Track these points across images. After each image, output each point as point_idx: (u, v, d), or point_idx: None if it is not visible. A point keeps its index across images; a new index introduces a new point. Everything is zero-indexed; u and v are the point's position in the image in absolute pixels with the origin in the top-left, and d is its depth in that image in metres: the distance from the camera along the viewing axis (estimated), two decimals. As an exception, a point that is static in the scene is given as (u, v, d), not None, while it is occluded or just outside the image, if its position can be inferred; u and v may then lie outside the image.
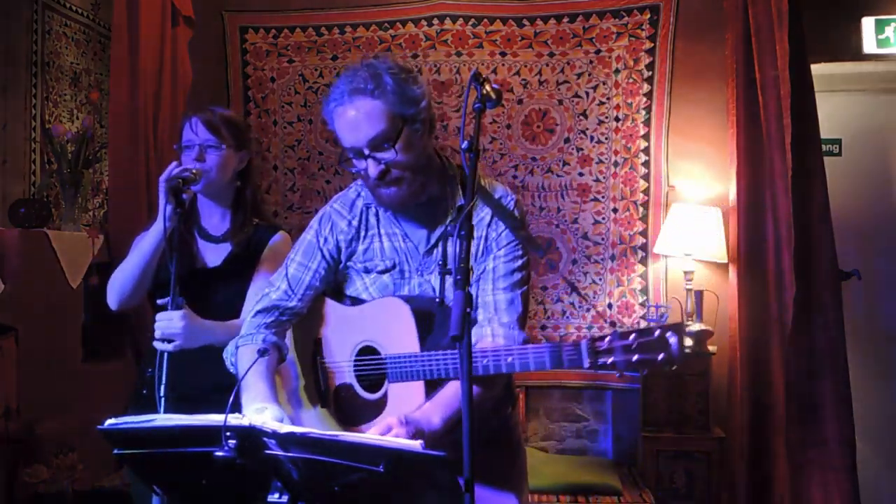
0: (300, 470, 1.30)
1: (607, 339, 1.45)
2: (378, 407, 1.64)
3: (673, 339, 1.42)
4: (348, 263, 1.77)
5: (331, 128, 1.63)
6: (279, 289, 1.78)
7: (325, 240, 1.77)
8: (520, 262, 1.67)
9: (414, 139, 1.61)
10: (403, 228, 1.72)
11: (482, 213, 1.68)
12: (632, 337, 1.44)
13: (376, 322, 1.68)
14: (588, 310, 3.76)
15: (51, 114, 3.39)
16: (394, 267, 1.72)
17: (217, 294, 2.09)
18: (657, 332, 1.43)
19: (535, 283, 3.79)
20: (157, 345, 1.90)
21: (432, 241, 1.70)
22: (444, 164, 1.73)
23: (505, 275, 1.65)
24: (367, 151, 1.60)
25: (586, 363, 1.46)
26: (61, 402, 3.05)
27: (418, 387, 1.57)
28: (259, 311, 1.78)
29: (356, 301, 1.76)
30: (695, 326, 3.42)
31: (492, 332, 1.61)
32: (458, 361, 1.52)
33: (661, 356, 1.42)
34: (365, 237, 1.76)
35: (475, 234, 1.65)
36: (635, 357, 1.43)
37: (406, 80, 1.60)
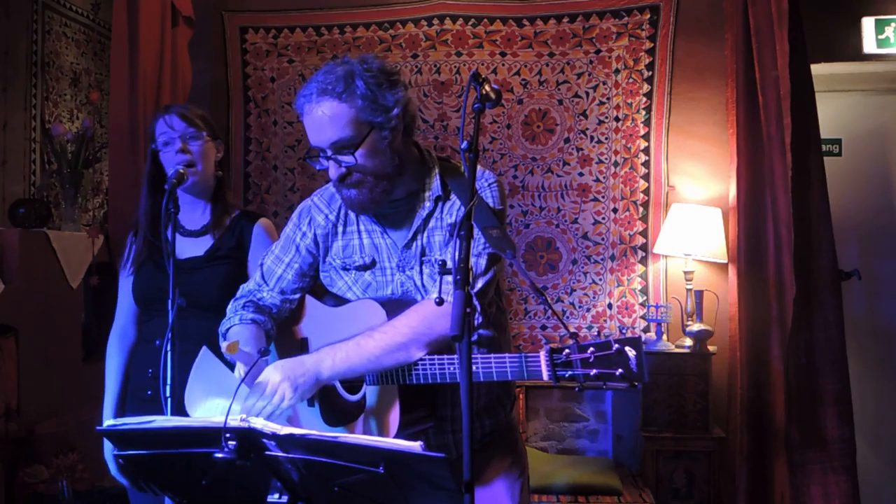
0: (300, 471, 1.30)
1: (565, 351, 1.42)
2: (358, 408, 1.63)
3: (632, 354, 1.38)
4: (327, 260, 1.76)
5: (301, 121, 1.62)
6: (253, 280, 1.81)
7: (304, 234, 1.77)
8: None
9: (380, 146, 1.59)
10: (382, 224, 1.71)
11: (454, 199, 1.67)
12: (589, 350, 1.40)
13: (353, 324, 1.66)
14: (588, 310, 3.76)
15: (51, 114, 3.39)
16: (373, 264, 1.71)
17: (198, 283, 2.06)
18: (615, 347, 1.39)
19: (535, 283, 3.78)
20: None
21: (410, 234, 1.68)
22: (424, 157, 1.72)
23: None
24: (329, 153, 1.59)
25: (546, 375, 1.43)
26: (61, 402, 3.05)
27: (392, 392, 1.56)
28: (234, 300, 1.81)
29: (340, 300, 1.75)
30: (695, 326, 3.42)
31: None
32: (429, 367, 1.53)
33: (619, 371, 1.39)
34: (344, 233, 1.75)
35: (450, 220, 1.65)
36: (593, 371, 1.40)
37: (381, 85, 1.57)
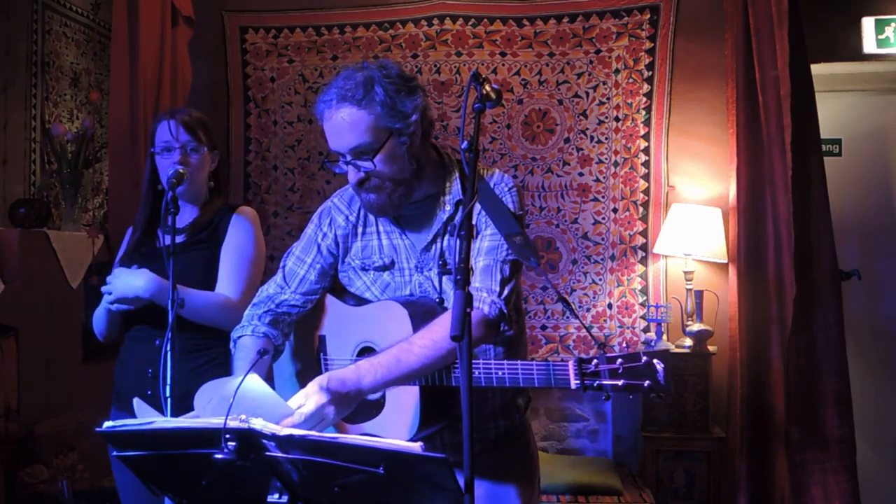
0: (300, 471, 1.30)
1: (594, 361, 1.44)
2: (377, 407, 1.65)
3: (660, 367, 1.41)
4: (346, 260, 1.78)
5: (321, 124, 1.64)
6: (275, 282, 1.82)
7: (324, 235, 1.79)
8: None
9: (398, 152, 1.60)
10: (401, 226, 1.73)
11: (476, 205, 1.68)
12: (618, 361, 1.43)
13: (375, 324, 1.68)
14: (588, 310, 3.76)
15: (51, 114, 3.39)
16: (392, 264, 1.72)
17: (176, 268, 2.08)
18: (644, 359, 1.42)
19: (535, 283, 3.79)
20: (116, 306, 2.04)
21: (430, 237, 1.70)
22: (444, 160, 1.73)
23: (489, 249, 1.64)
24: (348, 158, 1.61)
25: (573, 384, 1.45)
26: (61, 402, 3.05)
27: (413, 391, 1.58)
28: (253, 304, 1.82)
29: (360, 300, 1.77)
30: (695, 326, 3.42)
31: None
32: (455, 370, 1.54)
33: (646, 383, 1.41)
34: (363, 234, 1.77)
35: (471, 223, 1.65)
36: (621, 382, 1.42)
37: (399, 91, 1.58)
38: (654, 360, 1.41)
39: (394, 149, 1.59)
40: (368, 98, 1.56)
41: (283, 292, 1.80)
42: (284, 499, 1.36)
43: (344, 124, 1.57)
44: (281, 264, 1.84)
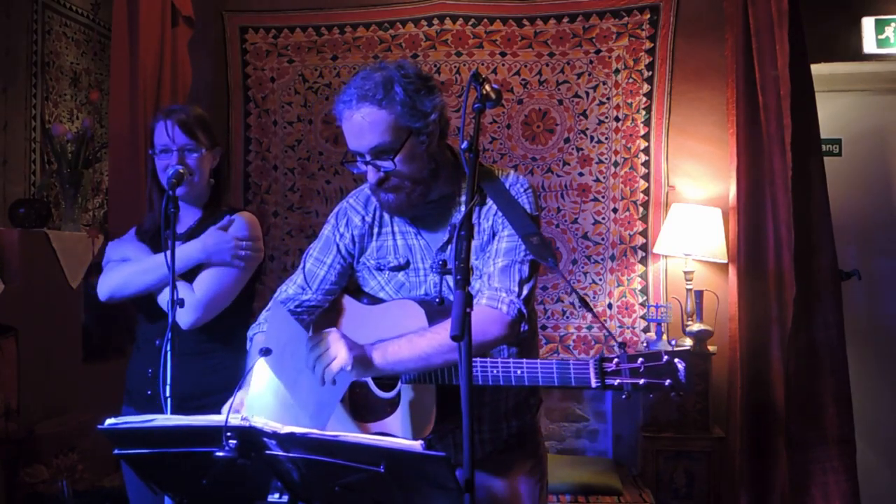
0: (300, 470, 1.30)
1: (615, 360, 1.46)
2: (392, 406, 1.65)
3: (681, 366, 1.44)
4: (361, 260, 1.79)
5: (338, 125, 1.65)
6: (295, 283, 1.82)
7: (341, 235, 1.80)
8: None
9: (417, 151, 1.61)
10: (416, 226, 1.74)
11: (490, 204, 1.68)
12: (639, 360, 1.45)
13: (392, 323, 1.69)
14: (588, 310, 3.76)
15: (51, 114, 3.39)
16: (407, 264, 1.73)
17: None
18: (665, 358, 1.44)
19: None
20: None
21: (445, 237, 1.71)
22: (459, 161, 1.74)
23: (507, 250, 1.65)
24: (368, 158, 1.61)
25: (594, 383, 1.47)
26: (61, 402, 3.05)
27: (430, 390, 1.58)
28: (268, 308, 1.82)
29: (374, 300, 1.78)
30: (695, 326, 3.42)
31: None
32: (475, 369, 1.54)
33: (667, 382, 1.44)
34: (379, 234, 1.78)
35: (486, 224, 1.67)
36: (642, 381, 1.45)
37: (419, 91, 1.59)
38: (676, 360, 1.44)
39: (413, 148, 1.60)
40: (389, 98, 1.57)
41: (304, 293, 1.80)
42: (285, 499, 1.36)
43: (364, 124, 1.58)
44: (301, 265, 1.84)
